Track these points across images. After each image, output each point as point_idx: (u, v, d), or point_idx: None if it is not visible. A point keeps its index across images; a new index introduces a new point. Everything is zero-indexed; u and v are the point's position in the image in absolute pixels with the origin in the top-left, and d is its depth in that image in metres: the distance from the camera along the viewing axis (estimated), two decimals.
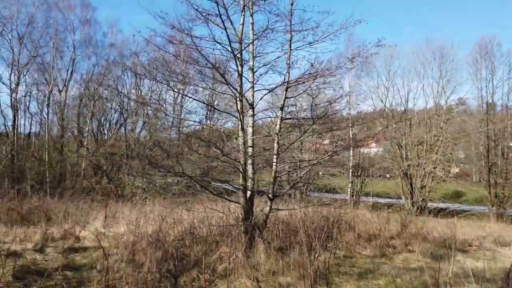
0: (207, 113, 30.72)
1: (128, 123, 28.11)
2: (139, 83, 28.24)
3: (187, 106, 29.33)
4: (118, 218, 12.72)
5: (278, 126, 8.71)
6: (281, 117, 8.78)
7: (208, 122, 31.15)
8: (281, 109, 8.78)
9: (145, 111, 28.60)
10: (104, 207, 15.99)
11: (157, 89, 28.93)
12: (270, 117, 9.77)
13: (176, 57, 7.56)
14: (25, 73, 25.86)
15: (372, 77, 31.41)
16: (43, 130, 26.74)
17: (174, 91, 7.40)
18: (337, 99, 8.11)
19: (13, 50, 25.43)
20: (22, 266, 6.09)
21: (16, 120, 25.88)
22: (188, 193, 25.55)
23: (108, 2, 55.68)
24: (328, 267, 6.32)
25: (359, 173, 30.06)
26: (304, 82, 8.55)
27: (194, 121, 10.15)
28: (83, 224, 11.75)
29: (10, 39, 25.37)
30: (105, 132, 28.77)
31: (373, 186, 34.57)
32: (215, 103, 25.35)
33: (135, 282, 5.24)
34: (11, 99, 25.65)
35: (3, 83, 26.17)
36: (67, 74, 27.11)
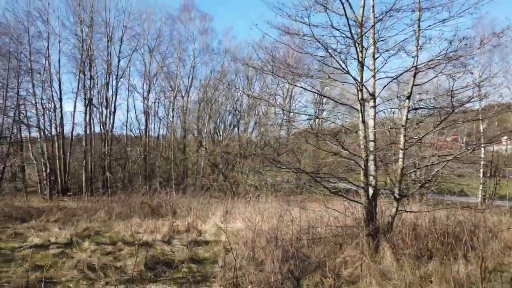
0: (316, 111, 30.06)
1: (241, 124, 29.09)
2: (250, 85, 29.04)
3: (295, 106, 29.07)
4: (234, 214, 12.88)
5: (404, 117, 7.65)
6: (408, 107, 7.69)
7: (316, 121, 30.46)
8: (408, 98, 7.68)
9: (256, 112, 29.29)
10: (221, 203, 16.57)
11: (268, 89, 29.36)
12: (394, 108, 8.67)
13: (292, 48, 7.12)
14: (154, 82, 28.81)
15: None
16: (169, 133, 29.42)
17: (289, 83, 6.85)
18: (481, 82, 6.69)
19: (145, 62, 28.59)
20: (152, 257, 6.32)
21: (148, 124, 28.97)
22: (297, 192, 25.32)
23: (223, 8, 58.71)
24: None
25: (492, 173, 25.88)
26: (436, 66, 7.32)
27: (309, 114, 9.51)
28: (204, 218, 12.20)
29: (142, 53, 28.57)
30: (221, 133, 30.27)
31: (510, 188, 29.45)
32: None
33: (258, 282, 4.92)
34: (143, 105, 28.84)
35: (138, 92, 29.61)
36: (188, 80, 29.35)
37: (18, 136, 25.26)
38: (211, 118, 29.38)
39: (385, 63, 7.53)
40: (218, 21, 56.73)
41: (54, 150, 25.90)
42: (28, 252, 6.64)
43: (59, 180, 25.83)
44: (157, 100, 29.55)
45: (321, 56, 7.31)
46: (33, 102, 24.55)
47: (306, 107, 31.96)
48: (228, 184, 24.23)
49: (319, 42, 7.01)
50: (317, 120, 29.95)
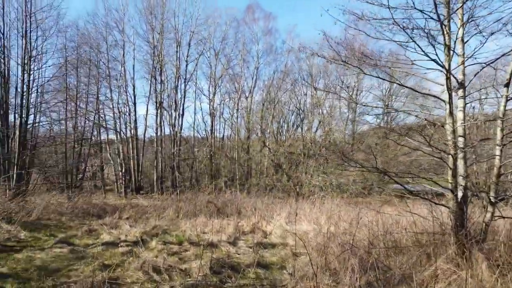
0: (387, 104, 28.26)
1: (305, 123, 28.31)
2: (314, 84, 28.13)
3: (361, 102, 27.53)
4: (299, 216, 12.23)
5: (502, 108, 6.44)
6: (507, 96, 6.46)
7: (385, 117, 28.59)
8: (507, 85, 6.45)
9: (320, 111, 28.28)
10: (285, 203, 15.99)
11: (332, 88, 28.21)
12: (490, 98, 7.40)
13: (367, 34, 6.31)
14: (220, 84, 29.18)
15: None
16: (233, 133, 29.60)
17: (364, 73, 6.05)
18: None
19: (210, 65, 29.10)
20: (218, 260, 5.94)
21: (213, 125, 29.43)
22: (365, 193, 23.92)
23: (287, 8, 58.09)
24: None
25: None
26: None
27: (396, 108, 8.56)
28: (268, 219, 11.71)
29: (208, 56, 29.11)
30: (284, 132, 29.74)
31: None
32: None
33: None
34: (209, 107, 29.34)
35: (204, 95, 30.24)
36: (252, 81, 29.30)
37: (98, 138, 27.09)
38: (274, 118, 28.99)
39: (479, 47, 6.39)
40: (281, 19, 56.05)
41: (129, 151, 27.36)
42: (99, 249, 6.66)
43: (133, 179, 27.22)
44: (222, 101, 29.93)
45: (400, 42, 6.41)
46: (111, 106, 26.18)
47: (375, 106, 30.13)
48: (292, 185, 23.61)
49: (399, 26, 6.14)
50: (385, 117, 28.17)
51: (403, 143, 6.71)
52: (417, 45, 6.43)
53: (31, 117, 16.08)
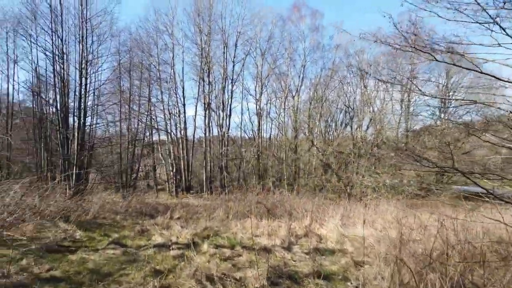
0: (441, 106, 26.30)
1: (354, 122, 27.04)
2: (364, 81, 26.80)
3: (417, 98, 25.80)
4: (353, 218, 11.40)
5: None
6: None
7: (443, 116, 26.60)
8: None
9: (371, 109, 26.90)
10: (336, 205, 15.14)
11: (382, 85, 26.68)
12: None
13: (440, 16, 5.45)
14: (266, 83, 28.77)
15: None
16: (280, 133, 29.02)
17: (437, 60, 5.22)
18: None
19: (257, 65, 28.76)
20: (274, 268, 5.40)
21: (260, 125, 29.05)
22: (421, 195, 22.33)
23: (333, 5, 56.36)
24: None
25: None
26: None
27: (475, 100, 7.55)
28: (321, 222, 11.00)
29: (254, 56, 28.80)
30: (332, 131, 28.67)
31: None
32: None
33: None
34: (256, 107, 29.01)
35: (250, 95, 29.99)
36: (299, 80, 28.55)
37: (150, 139, 27.76)
38: (321, 116, 28.04)
39: None
40: (328, 15, 54.38)
41: (179, 151, 27.76)
42: (151, 252, 6.39)
43: (183, 179, 27.57)
44: (269, 101, 29.49)
45: (482, 22, 5.47)
46: (161, 108, 26.72)
47: (429, 106, 28.17)
48: (342, 185, 22.56)
49: (479, 5, 5.23)
50: (442, 114, 26.21)
51: (485, 139, 5.75)
52: (501, 27, 5.47)
53: (88, 119, 16.63)
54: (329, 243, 8.44)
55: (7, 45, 17.94)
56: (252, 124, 29.41)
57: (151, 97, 24.92)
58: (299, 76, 28.70)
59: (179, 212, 13.23)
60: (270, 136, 30.21)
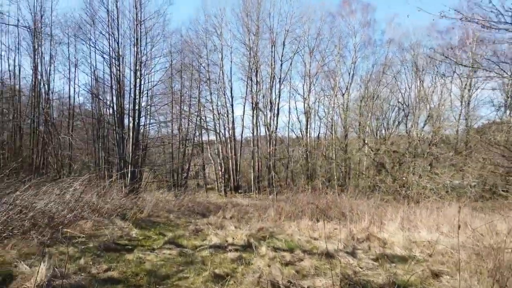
0: (506, 103, 23.96)
1: (409, 119, 25.37)
2: (420, 76, 25.08)
3: (476, 96, 23.65)
4: (415, 221, 10.38)
5: None
6: None
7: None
8: None
9: (428, 106, 25.09)
10: (392, 207, 14.06)
11: (441, 80, 24.84)
12: None
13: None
14: (314, 82, 27.93)
15: None
16: (329, 132, 28.01)
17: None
18: None
19: (305, 63, 28.00)
20: (344, 277, 4.77)
21: (308, 124, 28.26)
22: (486, 197, 20.45)
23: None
24: None
25: None
26: None
27: None
28: (379, 224, 10.11)
29: (302, 55, 28.07)
30: (384, 130, 27.13)
31: None
32: None
33: None
34: (304, 106, 28.25)
35: (298, 93, 29.28)
36: (349, 77, 27.39)
37: (199, 139, 27.96)
38: (373, 114, 26.62)
39: None
40: (380, 9, 51.71)
41: (228, 151, 27.73)
42: (207, 253, 6.01)
43: (232, 178, 27.49)
44: (317, 99, 28.58)
45: None
46: (211, 108, 26.83)
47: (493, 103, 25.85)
48: (397, 186, 21.14)
49: None
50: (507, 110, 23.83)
51: None
52: None
53: (142, 119, 16.90)
54: (396, 248, 7.59)
55: (68, 50, 18.80)
56: (300, 123, 28.70)
57: (201, 98, 25.08)
58: (349, 73, 27.54)
59: (230, 212, 12.93)
60: (318, 135, 29.31)
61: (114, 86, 15.89)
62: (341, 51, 27.54)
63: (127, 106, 16.22)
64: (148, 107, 17.27)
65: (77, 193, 8.24)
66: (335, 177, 24.22)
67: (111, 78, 15.82)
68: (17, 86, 18.36)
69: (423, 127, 24.55)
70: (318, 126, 29.03)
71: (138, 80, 15.65)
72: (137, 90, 15.59)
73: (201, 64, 25.54)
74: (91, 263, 4.90)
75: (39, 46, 17.64)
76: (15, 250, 5.09)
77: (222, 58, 26.88)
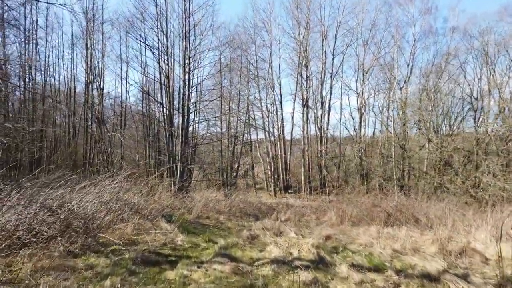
0: None
1: (478, 114, 22.19)
2: (491, 66, 21.85)
3: None
4: (506, 230, 8.13)
5: None
6: None
7: None
8: None
9: (500, 98, 21.78)
10: (476, 212, 11.68)
11: None
12: None
13: None
14: (368, 76, 25.58)
15: None
16: (386, 128, 25.45)
17: None
18: None
19: (358, 56, 25.72)
20: None
21: (362, 121, 25.94)
22: None
23: None
24: None
25: None
26: None
27: None
28: (464, 232, 8.02)
29: (356, 48, 25.81)
30: (449, 126, 24.04)
31: None
32: None
33: None
34: (357, 102, 26.01)
35: (351, 89, 27.05)
36: (407, 69, 24.67)
37: (248, 137, 26.71)
38: (435, 109, 23.68)
39: None
40: None
41: (277, 149, 26.25)
42: (269, 271, 4.51)
43: (281, 178, 25.95)
44: (372, 94, 26.16)
45: None
46: (259, 106, 25.50)
47: None
48: (469, 187, 18.32)
49: None
50: None
51: None
52: None
53: (191, 116, 15.91)
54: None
55: (120, 48, 18.34)
56: (353, 120, 26.41)
57: (249, 95, 23.82)
58: (408, 65, 24.78)
59: (285, 214, 11.39)
60: (373, 132, 26.78)
61: (163, 82, 15.01)
62: (399, 42, 24.90)
63: (176, 102, 15.32)
64: (197, 103, 16.24)
65: (118, 191, 7.13)
66: (394, 177, 21.75)
67: (160, 74, 14.97)
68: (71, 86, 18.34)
69: (495, 121, 21.31)
70: (373, 123, 26.57)
71: (187, 75, 14.65)
72: (186, 86, 14.59)
73: (249, 60, 24.32)
74: (119, 285, 3.58)
75: (92, 45, 17.39)
76: (32, 262, 3.92)
77: (271, 53, 25.50)
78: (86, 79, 16.83)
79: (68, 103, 17.69)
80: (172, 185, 14.33)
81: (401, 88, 24.48)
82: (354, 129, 26.32)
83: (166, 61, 14.48)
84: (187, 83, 14.70)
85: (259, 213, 12.06)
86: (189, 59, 14.54)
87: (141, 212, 6.97)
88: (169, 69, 14.76)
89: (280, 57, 25.78)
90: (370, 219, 10.24)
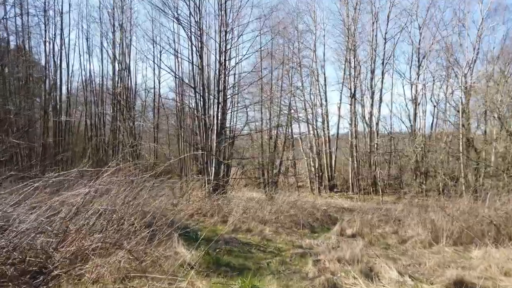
0: None
1: None
2: None
3: None
4: None
5: None
6: None
7: None
8: None
9: None
10: None
11: None
12: None
13: None
14: (425, 63, 21.42)
15: None
16: (448, 121, 21.19)
17: None
18: None
19: (413, 41, 21.61)
20: None
21: (417, 112, 21.91)
22: None
23: None
24: None
25: None
26: None
27: None
28: None
29: (409, 31, 21.74)
30: None
31: None
32: None
33: None
34: (411, 92, 21.96)
35: (405, 78, 22.96)
36: (473, 52, 20.23)
37: (290, 131, 23.47)
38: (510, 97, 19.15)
39: None
40: None
41: (321, 144, 22.89)
42: None
43: (326, 176, 22.56)
44: (430, 83, 21.95)
45: None
46: (302, 97, 22.24)
47: None
48: None
49: None
50: None
51: None
52: None
53: (228, 104, 13.06)
54: None
55: (153, 31, 15.72)
56: (408, 111, 22.34)
57: (292, 84, 20.63)
58: (474, 48, 20.35)
59: (349, 224, 8.18)
60: (432, 125, 22.51)
61: (195, 63, 12.29)
62: (462, 22, 20.56)
63: (212, 88, 12.54)
64: (235, 88, 13.36)
65: (115, 195, 4.34)
66: (463, 176, 17.61)
67: (192, 54, 12.23)
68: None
69: None
70: (433, 115, 22.28)
71: (222, 56, 11.82)
72: (222, 67, 11.76)
73: (291, 48, 21.09)
74: None
75: (120, 27, 15.12)
76: None
77: (315, 39, 22.14)
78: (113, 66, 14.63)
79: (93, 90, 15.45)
80: (206, 184, 11.59)
81: (465, 75, 20.12)
82: (409, 121, 22.28)
83: (198, 37, 11.75)
84: (222, 64, 11.86)
85: (313, 221, 8.95)
86: (225, 35, 11.68)
87: (147, 227, 4.09)
88: (202, 46, 12.00)
89: (324, 45, 22.39)
90: (482, 236, 6.83)
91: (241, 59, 12.17)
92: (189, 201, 8.70)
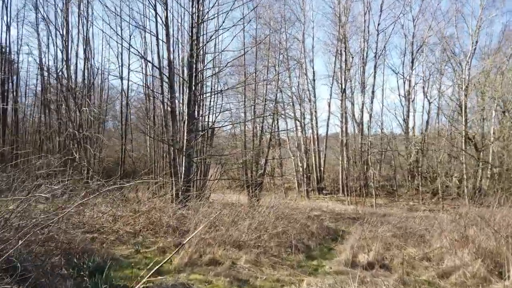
0: None
1: None
2: None
3: None
4: None
5: None
6: None
7: None
8: None
9: None
10: None
11: None
12: None
13: None
14: (419, 57, 19.34)
15: None
16: (445, 118, 19.05)
17: None
18: None
19: (405, 35, 19.50)
20: None
21: (409, 109, 19.81)
22: None
23: None
24: None
25: None
26: None
27: None
28: None
29: (402, 24, 19.60)
30: None
31: None
32: None
33: None
34: (404, 87, 19.85)
35: (397, 73, 20.74)
36: (472, 45, 18.13)
37: (276, 127, 20.94)
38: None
39: None
40: None
41: (309, 143, 20.47)
42: None
43: (315, 177, 20.16)
44: (424, 78, 19.86)
45: None
46: (289, 93, 19.74)
47: None
48: None
49: None
50: None
51: None
52: None
53: (204, 89, 10.37)
54: None
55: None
56: (403, 108, 20.19)
57: (278, 79, 18.08)
58: (472, 42, 18.28)
59: (359, 243, 5.64)
60: (427, 122, 20.37)
61: (159, 35, 9.56)
62: (459, 13, 18.54)
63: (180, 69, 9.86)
64: (214, 75, 10.69)
65: None
66: (465, 178, 15.37)
67: (156, 23, 9.47)
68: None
69: None
70: (427, 112, 20.16)
71: (195, 28, 9.12)
72: (194, 42, 9.07)
73: (280, 41, 18.55)
74: None
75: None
76: None
77: (304, 30, 19.72)
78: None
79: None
80: (172, 187, 8.88)
81: (462, 69, 18.01)
82: (403, 118, 20.10)
83: (164, 4, 9.03)
84: (195, 40, 9.15)
85: (308, 237, 6.37)
86: (197, 2, 8.99)
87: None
88: (168, 14, 9.28)
89: (313, 37, 20.09)
90: None
91: (217, 30, 9.32)
92: (137, 212, 6.00)
